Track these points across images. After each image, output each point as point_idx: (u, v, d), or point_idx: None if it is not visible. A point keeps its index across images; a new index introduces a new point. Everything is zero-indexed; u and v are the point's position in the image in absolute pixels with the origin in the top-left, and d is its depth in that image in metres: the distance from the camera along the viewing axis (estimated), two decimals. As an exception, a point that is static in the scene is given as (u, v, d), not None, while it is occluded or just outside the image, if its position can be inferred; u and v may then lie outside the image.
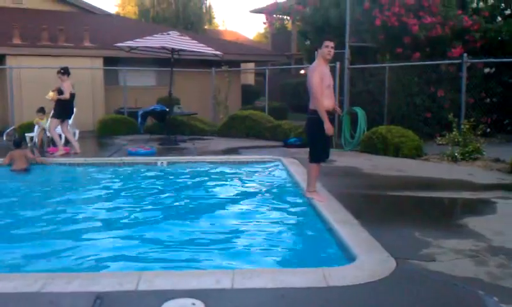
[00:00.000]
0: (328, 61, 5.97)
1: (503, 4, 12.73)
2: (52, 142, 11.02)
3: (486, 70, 12.42)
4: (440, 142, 9.85)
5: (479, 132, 9.11)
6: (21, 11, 18.08)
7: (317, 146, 5.97)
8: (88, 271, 4.14)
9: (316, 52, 5.95)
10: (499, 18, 12.62)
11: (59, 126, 10.37)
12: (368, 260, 3.97)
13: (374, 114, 11.69)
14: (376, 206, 6.17)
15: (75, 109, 10.75)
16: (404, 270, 3.78)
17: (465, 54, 10.23)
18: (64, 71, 10.19)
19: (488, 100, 12.62)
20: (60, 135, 10.85)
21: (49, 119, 10.39)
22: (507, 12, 12.68)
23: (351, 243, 4.36)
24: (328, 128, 5.71)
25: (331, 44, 5.84)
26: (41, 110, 10.75)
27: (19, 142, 9.32)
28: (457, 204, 6.20)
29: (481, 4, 12.82)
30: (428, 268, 3.82)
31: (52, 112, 10.21)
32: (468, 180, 7.33)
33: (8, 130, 11.96)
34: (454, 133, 9.27)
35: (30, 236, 5.17)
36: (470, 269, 3.81)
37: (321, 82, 5.74)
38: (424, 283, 3.58)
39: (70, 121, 10.56)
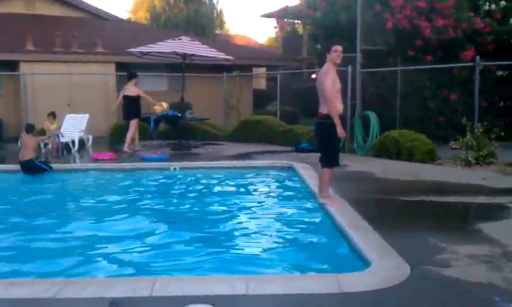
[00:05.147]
0: (337, 65, 5.99)
1: (516, 6, 12.64)
2: (65, 147, 11.11)
3: (499, 73, 12.34)
4: (454, 147, 9.76)
5: (493, 136, 9.02)
6: (34, 17, 18.24)
7: (329, 150, 5.97)
8: (103, 277, 4.17)
9: (327, 56, 5.99)
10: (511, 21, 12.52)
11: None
12: (383, 266, 3.95)
13: (386, 118, 11.61)
14: (390, 211, 6.14)
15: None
16: (419, 276, 3.76)
17: (478, 57, 10.14)
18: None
19: (502, 103, 12.54)
20: (73, 141, 10.97)
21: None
22: (520, 14, 12.59)
23: (365, 248, 4.34)
24: (341, 131, 5.71)
25: (340, 48, 5.88)
26: (52, 114, 10.77)
27: (31, 128, 8.75)
28: (472, 209, 6.15)
29: (493, 6, 12.71)
30: (443, 273, 3.80)
31: None
32: (483, 185, 7.26)
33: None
34: (467, 137, 9.17)
35: (44, 242, 5.21)
36: (485, 275, 3.78)
37: (333, 85, 5.76)
38: (438, 289, 3.56)
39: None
